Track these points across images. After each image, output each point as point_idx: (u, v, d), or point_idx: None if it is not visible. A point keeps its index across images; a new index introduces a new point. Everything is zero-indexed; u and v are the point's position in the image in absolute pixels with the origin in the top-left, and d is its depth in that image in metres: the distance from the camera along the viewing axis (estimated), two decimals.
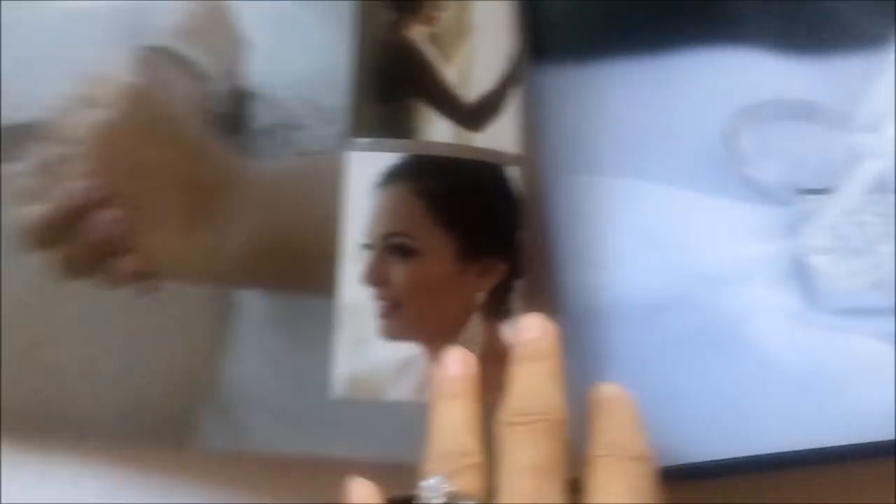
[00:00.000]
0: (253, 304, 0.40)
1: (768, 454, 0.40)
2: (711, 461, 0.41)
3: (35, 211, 0.40)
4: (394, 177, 0.39)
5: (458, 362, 0.37)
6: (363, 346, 0.38)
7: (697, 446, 0.41)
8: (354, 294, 0.38)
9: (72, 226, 0.40)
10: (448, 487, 0.32)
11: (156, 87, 0.41)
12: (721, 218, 0.44)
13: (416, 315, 0.39)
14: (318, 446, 0.38)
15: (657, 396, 0.42)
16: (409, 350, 0.38)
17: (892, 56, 0.46)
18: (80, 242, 0.39)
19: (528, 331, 0.36)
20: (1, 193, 0.41)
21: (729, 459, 0.41)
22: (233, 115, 0.41)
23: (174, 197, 0.40)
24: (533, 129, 0.43)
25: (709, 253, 0.44)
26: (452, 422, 0.35)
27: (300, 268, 0.39)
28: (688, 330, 0.43)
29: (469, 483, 0.33)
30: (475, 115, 0.41)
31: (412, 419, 0.38)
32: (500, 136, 0.41)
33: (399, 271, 0.39)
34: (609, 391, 0.36)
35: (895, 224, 0.43)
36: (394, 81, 0.40)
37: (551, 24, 0.47)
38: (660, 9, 0.48)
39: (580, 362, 0.40)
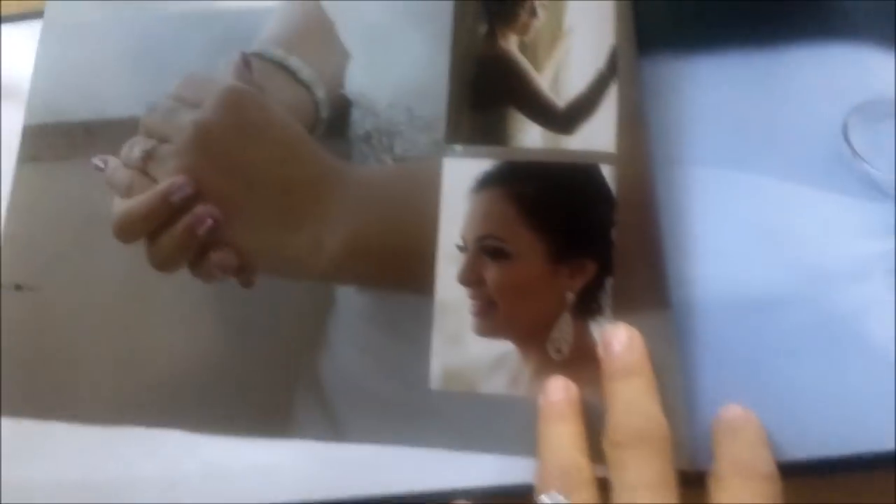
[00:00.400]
0: (351, 299, 0.42)
1: (883, 452, 0.40)
2: (825, 457, 0.41)
3: (135, 203, 0.42)
4: (487, 182, 0.41)
5: (560, 389, 0.39)
6: (458, 341, 0.40)
7: (812, 443, 0.41)
8: (450, 293, 0.40)
9: (169, 219, 0.41)
10: (566, 501, 0.35)
11: (257, 91, 0.43)
12: (836, 214, 0.44)
13: (508, 314, 0.40)
14: (413, 438, 0.40)
15: (772, 392, 0.42)
16: (502, 346, 0.40)
17: None
18: (177, 235, 0.41)
19: (618, 343, 0.38)
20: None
21: (843, 456, 0.41)
22: (334, 120, 0.43)
23: (272, 195, 0.42)
24: (637, 121, 0.43)
25: (824, 249, 0.44)
26: (562, 441, 0.37)
27: (397, 266, 0.41)
28: (803, 326, 0.43)
29: (586, 497, 0.35)
30: (567, 118, 0.42)
31: (505, 412, 0.40)
32: (595, 136, 0.42)
33: (492, 272, 0.40)
34: (736, 412, 0.38)
35: None
36: (488, 91, 0.42)
37: (658, 16, 0.47)
38: (768, 3, 0.48)
39: (692, 357, 0.41)
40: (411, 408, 0.40)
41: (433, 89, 0.42)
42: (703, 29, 0.48)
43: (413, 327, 0.40)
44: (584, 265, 0.41)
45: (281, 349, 0.42)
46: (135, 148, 0.42)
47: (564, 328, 0.41)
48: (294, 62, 0.43)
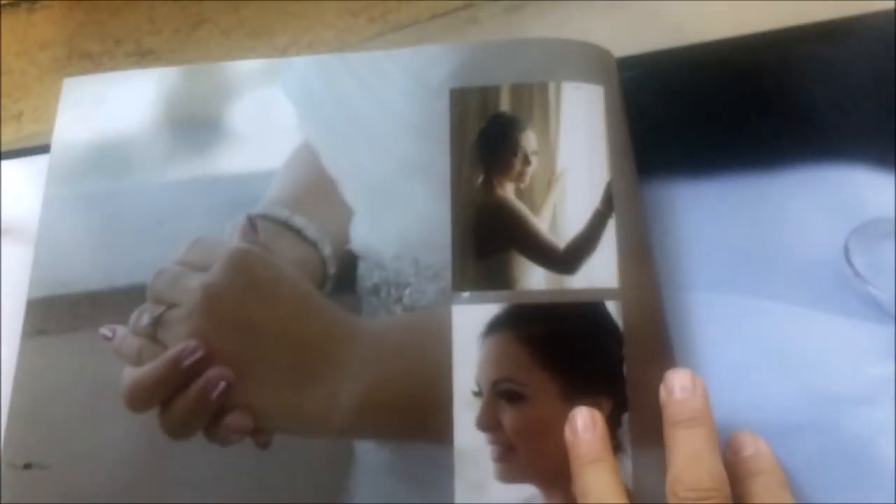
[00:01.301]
0: (370, 453, 0.42)
1: None
2: None
3: (145, 371, 0.42)
4: (497, 326, 0.42)
5: (589, 425, 0.39)
6: (481, 489, 0.40)
7: None
8: (469, 439, 0.40)
9: (181, 385, 0.41)
10: None
11: (263, 252, 0.43)
12: (841, 337, 0.45)
13: (529, 457, 0.40)
14: None
15: None
16: (526, 491, 0.40)
17: None
18: (190, 400, 0.41)
19: (680, 388, 0.39)
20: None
21: None
22: (342, 275, 0.44)
23: (283, 353, 0.42)
24: (641, 253, 0.44)
25: (831, 373, 0.45)
26: (601, 486, 0.37)
27: (414, 417, 0.41)
28: (821, 452, 0.43)
29: None
30: (568, 258, 0.43)
31: None
32: (596, 274, 0.43)
33: (509, 416, 0.41)
34: (751, 446, 0.39)
35: None
36: (489, 238, 0.43)
37: (659, 142, 0.49)
38: (768, 126, 0.50)
39: None
40: None
41: (438, 239, 0.43)
42: (703, 154, 0.50)
43: (435, 477, 0.40)
44: (598, 403, 0.41)
45: None
46: (143, 315, 0.43)
47: None
48: (299, 220, 0.45)
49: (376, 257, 0.44)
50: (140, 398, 0.42)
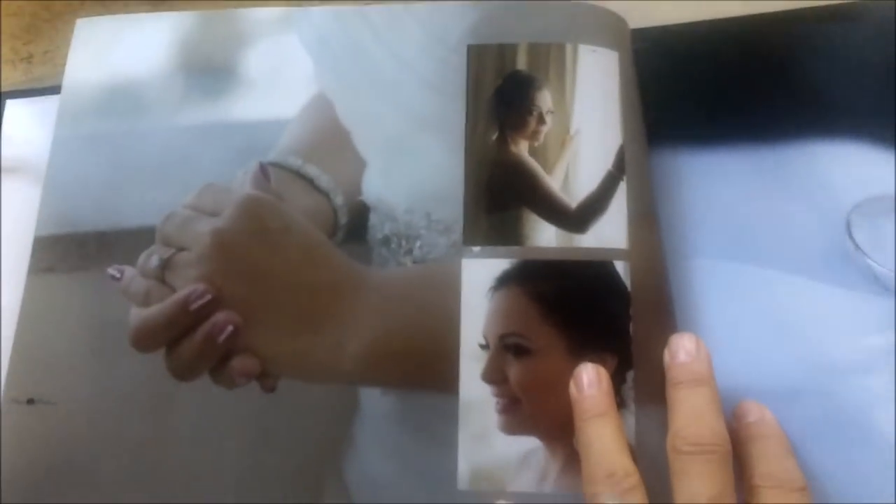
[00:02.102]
0: (375, 401, 0.42)
1: None
2: None
3: (153, 312, 0.42)
4: (506, 281, 0.42)
5: (594, 381, 0.40)
6: (485, 440, 0.40)
7: None
8: (474, 391, 0.41)
9: (188, 327, 0.42)
10: None
11: (275, 199, 0.44)
12: (840, 307, 0.46)
13: (533, 410, 0.41)
14: None
15: None
16: (528, 443, 0.40)
17: None
18: (197, 343, 0.41)
19: (684, 353, 0.39)
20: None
21: None
22: (353, 225, 0.44)
23: (292, 300, 0.42)
24: (648, 217, 0.45)
25: (830, 342, 0.46)
26: (605, 442, 0.38)
27: (420, 367, 0.42)
28: (813, 418, 0.44)
29: (637, 501, 0.36)
30: (580, 218, 0.44)
31: None
32: (606, 234, 0.44)
33: (515, 369, 0.41)
34: (756, 413, 0.40)
35: None
36: (502, 194, 0.44)
37: (668, 114, 0.50)
38: (774, 100, 0.51)
39: None
40: None
41: (450, 194, 0.43)
42: (711, 126, 0.51)
43: (439, 427, 0.41)
44: (604, 359, 0.42)
45: (305, 453, 0.42)
46: (152, 257, 0.43)
47: None
48: (312, 170, 0.45)
49: (388, 209, 0.44)
50: (146, 339, 0.42)
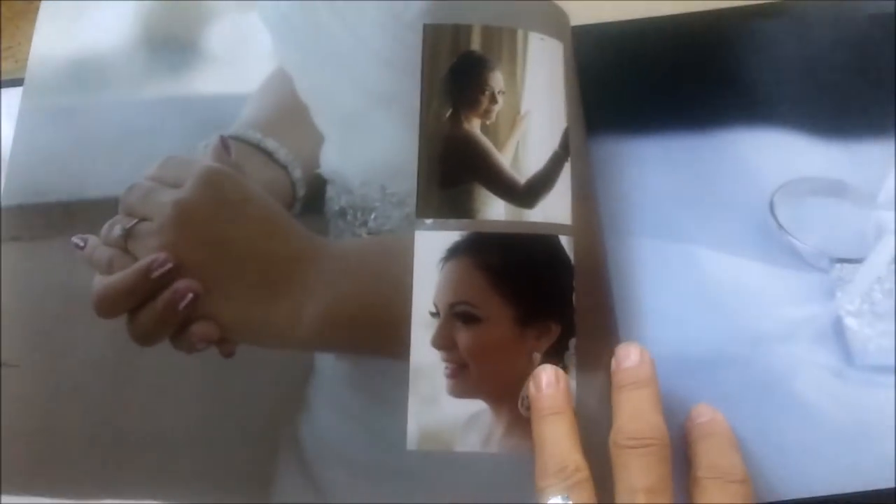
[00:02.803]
0: (330, 365, 0.44)
1: (811, 498, 0.45)
2: None
3: (115, 279, 0.43)
4: (457, 252, 0.44)
5: (552, 382, 0.42)
6: (433, 403, 0.42)
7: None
8: (424, 357, 0.43)
9: (150, 294, 0.43)
10: (568, 502, 0.38)
11: (234, 171, 0.45)
12: (765, 282, 0.50)
13: (480, 375, 0.43)
14: (392, 498, 0.42)
15: None
16: (475, 406, 0.42)
17: None
18: (158, 310, 0.43)
19: (628, 358, 0.42)
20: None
21: (778, 503, 0.45)
22: (310, 198, 0.46)
23: (250, 269, 0.44)
24: (588, 196, 0.48)
25: (755, 314, 0.49)
26: (558, 438, 0.40)
27: (374, 334, 0.44)
28: (739, 383, 0.47)
29: (585, 496, 0.38)
30: (528, 194, 0.46)
31: (480, 470, 0.42)
32: (552, 210, 0.46)
33: (464, 336, 0.43)
34: (706, 414, 0.43)
35: None
36: (454, 169, 0.45)
37: (604, 101, 0.52)
38: (704, 92, 0.55)
39: None
40: (390, 469, 0.42)
41: (405, 168, 0.45)
42: (644, 113, 0.55)
43: (390, 391, 0.43)
44: (548, 328, 0.44)
45: (262, 415, 0.44)
46: (115, 227, 0.44)
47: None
48: (271, 144, 0.46)
49: (344, 182, 0.46)
50: (109, 305, 0.44)
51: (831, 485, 0.45)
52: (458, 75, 0.46)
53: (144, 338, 0.44)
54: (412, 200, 0.44)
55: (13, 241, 0.47)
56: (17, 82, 0.51)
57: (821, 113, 0.54)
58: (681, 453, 0.43)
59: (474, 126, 0.46)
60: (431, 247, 0.44)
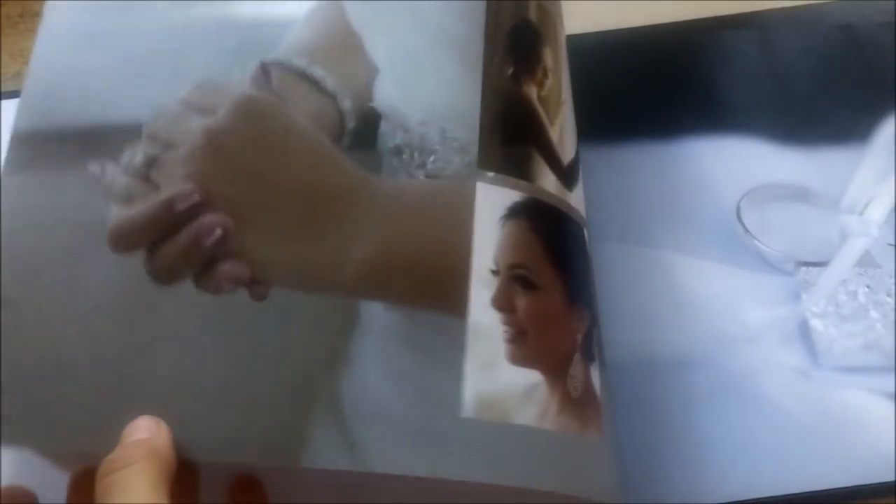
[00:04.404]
0: (377, 316, 0.39)
1: (774, 497, 0.45)
2: (728, 503, 0.45)
3: (135, 211, 0.38)
4: (518, 213, 0.41)
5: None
6: (492, 368, 0.38)
7: (719, 489, 0.46)
8: (483, 316, 0.38)
9: (172, 228, 0.37)
10: None
11: (275, 100, 0.40)
12: (734, 285, 0.51)
13: (538, 344, 0.39)
14: (441, 469, 0.36)
15: (684, 443, 0.47)
16: (532, 377, 0.38)
17: (871, 149, 0.55)
18: (181, 245, 0.37)
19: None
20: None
21: (743, 501, 0.45)
22: (362, 132, 0.41)
23: (290, 205, 0.38)
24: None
25: (722, 316, 0.50)
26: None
27: (428, 285, 0.39)
28: (707, 384, 0.48)
29: None
30: (569, 175, 0.44)
31: (536, 446, 0.38)
32: (578, 199, 0.44)
33: (523, 301, 0.39)
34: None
35: (881, 294, 0.51)
36: (516, 128, 0.42)
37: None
38: (673, 101, 0.57)
39: (621, 411, 0.44)
40: (439, 434, 0.36)
41: (466, 114, 0.41)
42: (614, 122, 0.57)
43: (444, 349, 0.37)
44: (583, 312, 0.41)
45: (297, 368, 0.37)
46: (137, 154, 0.39)
47: (578, 367, 0.40)
48: (317, 71, 0.41)
49: (400, 119, 0.41)
50: (126, 239, 0.37)
51: (797, 484, 0.46)
52: (518, 38, 0.44)
53: (164, 275, 0.37)
54: (474, 149, 0.41)
55: (25, 168, 0.40)
56: None
57: (786, 121, 0.57)
58: None
59: (532, 92, 0.44)
60: (493, 202, 0.40)
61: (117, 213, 0.38)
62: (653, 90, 0.58)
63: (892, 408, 0.48)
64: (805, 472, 0.46)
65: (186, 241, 0.37)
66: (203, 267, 0.37)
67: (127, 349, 0.37)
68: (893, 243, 0.52)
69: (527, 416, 0.38)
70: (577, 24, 0.56)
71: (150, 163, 0.38)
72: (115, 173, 0.39)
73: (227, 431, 0.36)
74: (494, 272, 0.39)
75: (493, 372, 0.38)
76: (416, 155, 0.41)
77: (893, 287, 0.51)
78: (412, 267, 0.39)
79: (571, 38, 0.50)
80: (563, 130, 0.45)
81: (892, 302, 0.51)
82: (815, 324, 0.50)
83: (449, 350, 0.37)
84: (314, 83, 0.41)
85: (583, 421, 0.39)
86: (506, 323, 0.39)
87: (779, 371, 0.49)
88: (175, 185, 0.38)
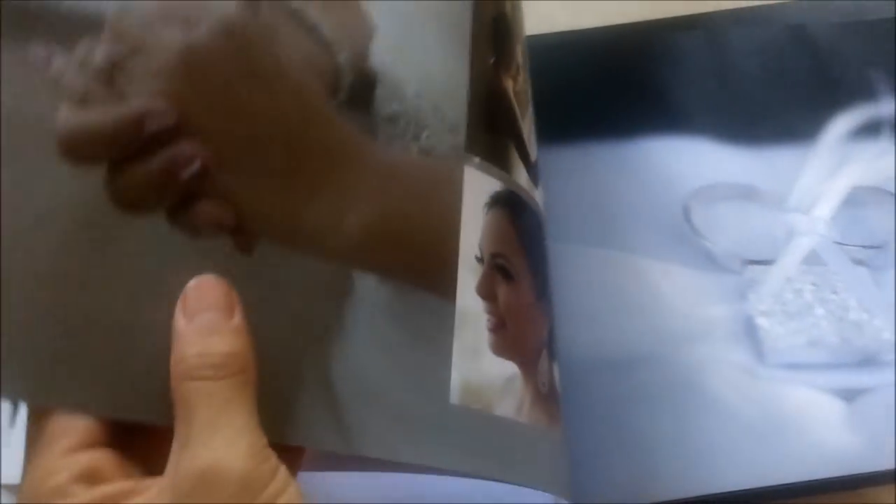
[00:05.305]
0: (371, 289, 0.35)
1: (724, 493, 0.46)
2: (676, 500, 0.46)
3: (95, 117, 0.32)
4: (499, 201, 0.40)
5: None
6: (476, 356, 0.36)
7: (665, 486, 0.46)
8: (469, 302, 0.37)
9: (139, 149, 0.32)
10: None
11: (266, 31, 0.36)
12: (681, 284, 0.52)
13: (514, 335, 0.38)
14: (429, 456, 0.34)
15: (630, 441, 0.47)
16: (510, 369, 0.37)
17: (818, 147, 0.57)
18: (153, 171, 0.32)
19: None
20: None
21: (689, 499, 0.46)
22: (357, 92, 0.37)
23: (280, 153, 0.34)
24: None
25: (671, 315, 0.51)
26: None
27: (421, 261, 0.36)
28: (655, 382, 0.49)
29: None
30: (533, 173, 0.44)
31: (513, 439, 0.37)
32: (541, 200, 0.44)
33: (503, 291, 0.38)
34: None
35: (827, 292, 0.52)
36: (497, 119, 0.42)
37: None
38: (619, 99, 0.58)
39: (569, 410, 0.43)
40: (429, 421, 0.34)
41: (455, 93, 0.39)
42: (564, 123, 0.57)
43: (434, 329, 0.35)
44: (549, 308, 0.41)
45: (284, 336, 0.33)
46: (98, 51, 0.32)
47: (545, 362, 0.40)
48: (312, 14, 0.37)
49: (396, 86, 0.38)
50: (82, 147, 0.31)
51: (744, 480, 0.47)
52: (498, 29, 0.43)
53: (129, 202, 0.32)
54: (462, 131, 0.39)
55: None
56: None
57: (734, 121, 0.58)
58: None
59: (509, 86, 0.43)
60: (478, 189, 0.39)
61: (70, 115, 0.32)
62: (602, 91, 0.59)
63: (837, 404, 0.49)
64: (751, 469, 0.46)
65: (159, 168, 0.32)
66: (178, 202, 0.32)
67: (78, 279, 0.31)
68: (839, 241, 0.54)
69: (506, 407, 0.37)
70: (530, 25, 0.55)
71: (115, 65, 0.32)
72: (65, 66, 0.32)
73: None
74: (479, 259, 0.38)
75: (478, 360, 0.36)
76: (411, 127, 0.38)
77: (839, 285, 0.52)
78: (407, 240, 0.36)
79: (529, 40, 0.50)
80: (529, 129, 0.45)
81: (838, 299, 0.52)
82: (761, 322, 0.51)
83: (438, 331, 0.36)
84: (309, 29, 0.37)
85: (549, 416, 0.39)
86: (488, 312, 0.37)
87: (726, 369, 0.49)
88: (145, 99, 0.32)
